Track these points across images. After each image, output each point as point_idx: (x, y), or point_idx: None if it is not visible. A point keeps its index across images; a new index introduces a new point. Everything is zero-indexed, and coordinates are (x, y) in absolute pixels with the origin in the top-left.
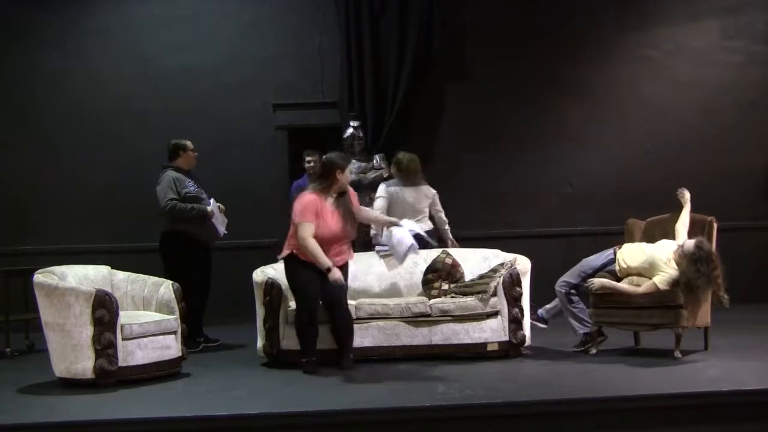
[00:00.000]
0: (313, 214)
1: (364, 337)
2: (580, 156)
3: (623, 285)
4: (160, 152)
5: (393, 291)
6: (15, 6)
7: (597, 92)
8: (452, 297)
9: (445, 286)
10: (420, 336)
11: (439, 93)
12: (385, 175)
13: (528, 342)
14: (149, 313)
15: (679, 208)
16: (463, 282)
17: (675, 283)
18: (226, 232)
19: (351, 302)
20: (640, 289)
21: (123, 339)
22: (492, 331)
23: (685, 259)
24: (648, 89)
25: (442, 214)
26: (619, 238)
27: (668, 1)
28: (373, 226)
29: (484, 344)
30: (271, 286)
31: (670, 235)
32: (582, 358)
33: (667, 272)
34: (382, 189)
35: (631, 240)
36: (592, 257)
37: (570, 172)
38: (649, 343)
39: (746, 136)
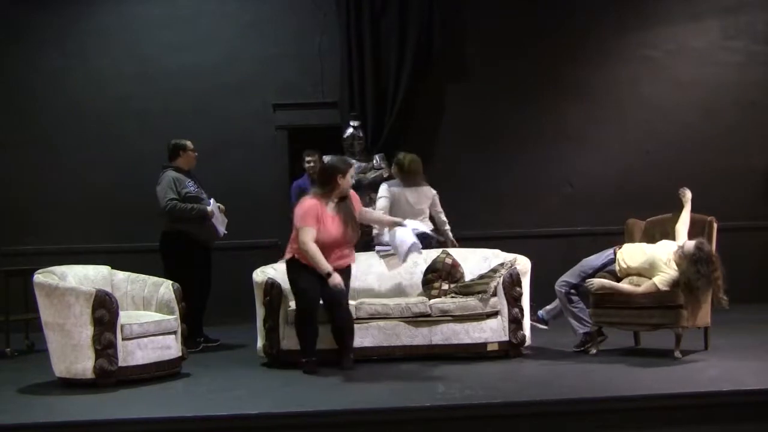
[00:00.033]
0: (313, 219)
1: (364, 337)
2: (580, 156)
3: (623, 285)
4: (160, 152)
5: (393, 291)
6: (15, 6)
7: (597, 92)
8: (452, 297)
9: (445, 286)
10: (420, 336)
11: (439, 93)
12: (385, 175)
13: (528, 342)
14: (149, 313)
15: (680, 207)
16: (463, 282)
17: (675, 284)
18: (226, 232)
19: (351, 302)
20: (640, 289)
21: (123, 339)
22: (492, 331)
23: (686, 260)
24: (648, 89)
25: (443, 215)
26: (619, 238)
27: (668, 1)
28: (376, 226)
29: (484, 344)
30: (271, 286)
31: (670, 235)
32: (582, 358)
33: (667, 273)
34: (384, 189)
35: (631, 240)
36: (592, 257)
37: (570, 172)
38: (649, 343)
39: (746, 136)
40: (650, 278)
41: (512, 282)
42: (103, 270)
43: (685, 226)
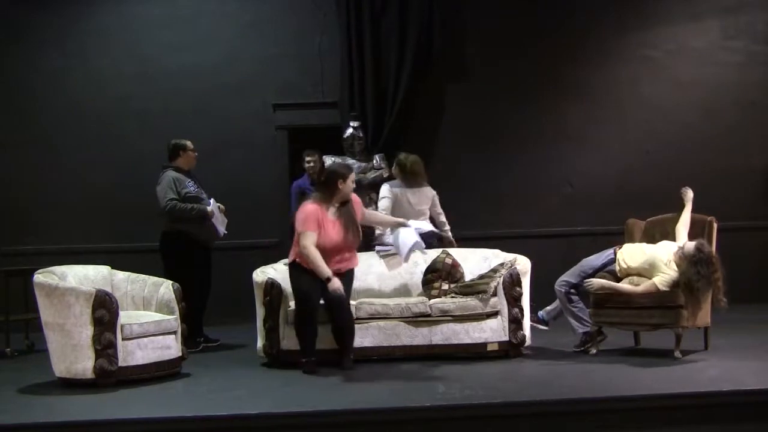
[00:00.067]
0: (314, 224)
1: (364, 337)
2: (580, 156)
3: (622, 285)
4: (160, 152)
5: (393, 291)
6: (15, 6)
7: (597, 92)
8: (452, 297)
9: (445, 286)
10: (420, 336)
11: (439, 93)
12: (385, 175)
13: (528, 342)
14: (149, 313)
15: (681, 207)
16: (463, 282)
17: (675, 285)
18: (226, 232)
19: (351, 302)
20: (639, 289)
21: (123, 339)
22: (492, 331)
23: (686, 260)
24: (648, 89)
25: (442, 216)
26: (619, 238)
27: (668, 1)
28: (379, 227)
29: (484, 344)
30: (271, 286)
31: (670, 235)
32: (582, 358)
33: (667, 273)
34: (386, 189)
35: (631, 240)
36: (592, 257)
37: (570, 172)
38: (649, 343)
39: (746, 136)
40: (650, 278)
41: (512, 282)
42: (103, 270)
43: (685, 227)
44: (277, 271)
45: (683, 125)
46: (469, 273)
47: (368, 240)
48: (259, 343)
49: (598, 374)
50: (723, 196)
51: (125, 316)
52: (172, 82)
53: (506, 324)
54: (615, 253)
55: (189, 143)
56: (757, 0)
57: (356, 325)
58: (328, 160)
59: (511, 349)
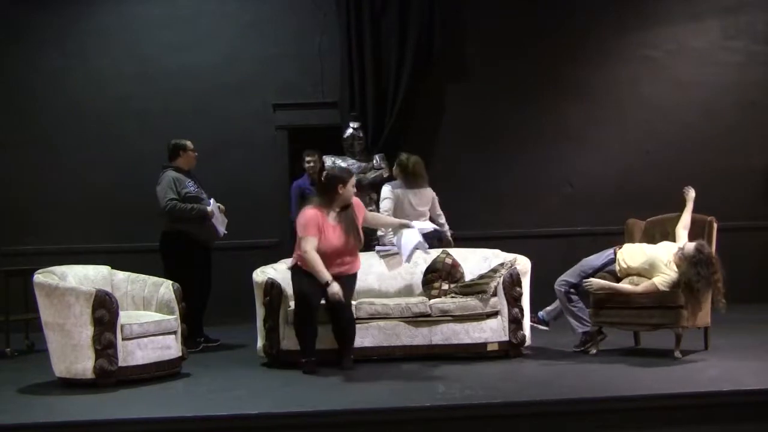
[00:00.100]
0: (314, 229)
1: (364, 337)
2: (580, 156)
3: (621, 285)
4: (160, 152)
5: (393, 291)
6: (15, 6)
7: (597, 92)
8: (452, 297)
9: (445, 286)
10: (420, 336)
11: (439, 93)
12: (385, 175)
13: (528, 342)
14: (149, 313)
15: (682, 207)
16: (463, 282)
17: (675, 285)
18: (226, 232)
19: (351, 302)
20: (639, 288)
21: (123, 339)
22: (492, 331)
23: (685, 261)
24: (648, 89)
25: (442, 218)
26: (619, 238)
27: (668, 1)
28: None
29: (484, 344)
30: (271, 286)
31: (670, 235)
32: (582, 358)
33: (667, 274)
34: (387, 191)
35: (631, 240)
36: (593, 257)
37: (570, 172)
38: (649, 343)
39: (747, 136)
40: (650, 279)
41: (512, 282)
42: (103, 270)
43: (685, 229)
44: (277, 271)
45: (683, 125)
46: (469, 273)
47: (368, 240)
48: (259, 343)
49: (598, 374)
50: (723, 196)
51: (125, 316)
52: (172, 82)
53: (506, 324)
54: (615, 253)
55: (189, 143)
56: (757, 0)
57: (356, 326)
58: (328, 160)
59: (511, 349)
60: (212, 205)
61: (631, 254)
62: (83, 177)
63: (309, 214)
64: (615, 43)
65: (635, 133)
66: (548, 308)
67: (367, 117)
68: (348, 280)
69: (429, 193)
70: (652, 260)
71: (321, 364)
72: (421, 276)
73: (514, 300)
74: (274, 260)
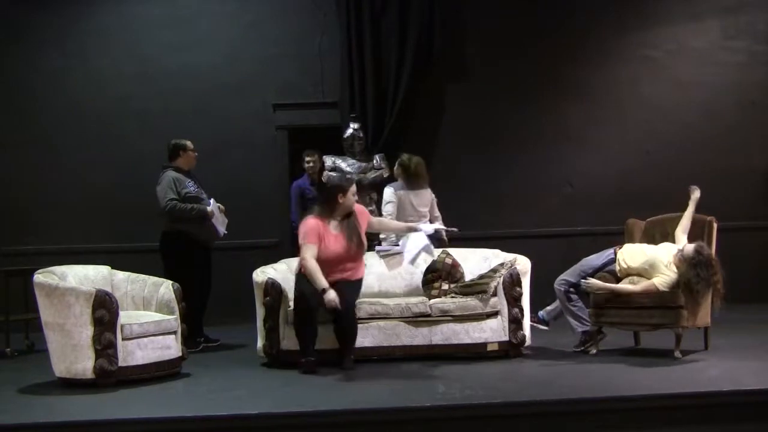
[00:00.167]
0: (315, 237)
1: (364, 337)
2: (580, 156)
3: (620, 285)
4: (160, 152)
5: (393, 291)
6: (15, 6)
7: (597, 92)
8: (452, 297)
9: (445, 286)
10: (420, 336)
11: (439, 93)
12: (386, 175)
13: (528, 342)
14: (149, 313)
15: (683, 206)
16: (463, 282)
17: (675, 286)
18: (226, 232)
19: (354, 304)
20: (638, 288)
21: (123, 339)
22: (492, 331)
23: (685, 263)
24: (648, 89)
25: (439, 220)
26: (619, 238)
27: (668, 1)
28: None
29: (484, 344)
30: (271, 286)
31: (671, 236)
32: (582, 358)
33: (667, 275)
34: (390, 193)
35: (631, 240)
36: (593, 257)
37: (570, 172)
38: (649, 343)
39: (747, 136)
40: (650, 279)
41: (512, 282)
42: (103, 270)
43: (684, 232)
44: (277, 271)
45: (683, 125)
46: (469, 273)
47: (370, 240)
48: (259, 343)
49: (598, 374)
50: (723, 196)
51: (125, 316)
52: (172, 82)
53: (506, 324)
54: (615, 253)
55: (189, 143)
56: (758, 0)
57: (357, 326)
58: (328, 160)
59: (511, 349)
60: (212, 205)
61: (631, 254)
62: (83, 177)
63: (310, 223)
64: (615, 43)
65: (635, 133)
66: (548, 308)
67: (367, 117)
68: (351, 285)
69: (429, 195)
70: (653, 261)
71: (321, 364)
72: (421, 276)
73: (514, 300)
74: (274, 260)
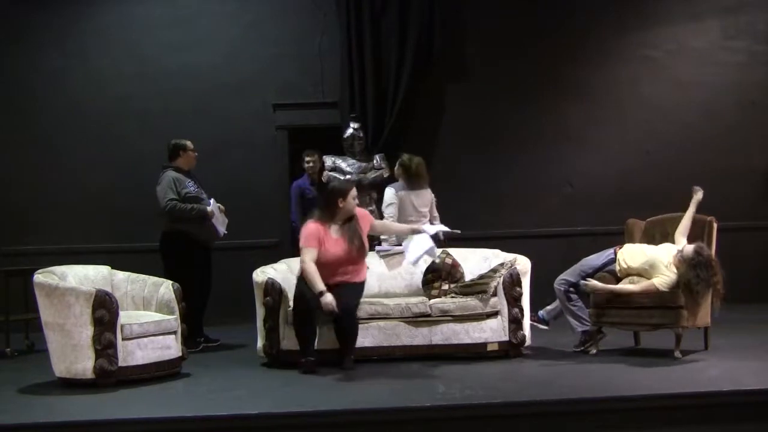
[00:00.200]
0: (315, 241)
1: (364, 337)
2: (580, 156)
3: (619, 285)
4: (160, 152)
5: (393, 291)
6: (15, 6)
7: (597, 92)
8: (452, 297)
9: (445, 286)
10: (420, 336)
11: (439, 93)
12: (386, 175)
13: (528, 342)
14: (149, 313)
15: (684, 206)
16: (463, 282)
17: (675, 287)
18: (226, 232)
19: (356, 306)
20: (637, 288)
21: (123, 339)
22: (492, 331)
23: (685, 264)
24: (648, 89)
25: (437, 220)
26: (619, 238)
27: (668, 1)
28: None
29: (484, 344)
30: (271, 286)
31: (671, 236)
32: (582, 358)
33: (667, 276)
34: (391, 195)
35: (631, 240)
36: (593, 257)
37: (570, 172)
38: (649, 343)
39: (747, 136)
40: (650, 280)
41: (512, 282)
42: (103, 270)
43: (683, 235)
44: (277, 271)
45: (683, 125)
46: (469, 273)
47: (371, 240)
48: (259, 343)
49: (598, 374)
50: (723, 196)
51: (125, 316)
52: (172, 82)
53: (506, 324)
54: (615, 253)
55: (189, 143)
56: (758, 0)
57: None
58: (328, 160)
59: (511, 349)
60: (212, 205)
61: (631, 254)
62: (83, 177)
63: (310, 227)
64: (615, 43)
65: (635, 133)
66: (548, 307)
67: (367, 117)
68: (353, 287)
69: (429, 195)
70: (653, 261)
71: (321, 364)
72: (421, 276)
73: (514, 300)
74: (274, 260)
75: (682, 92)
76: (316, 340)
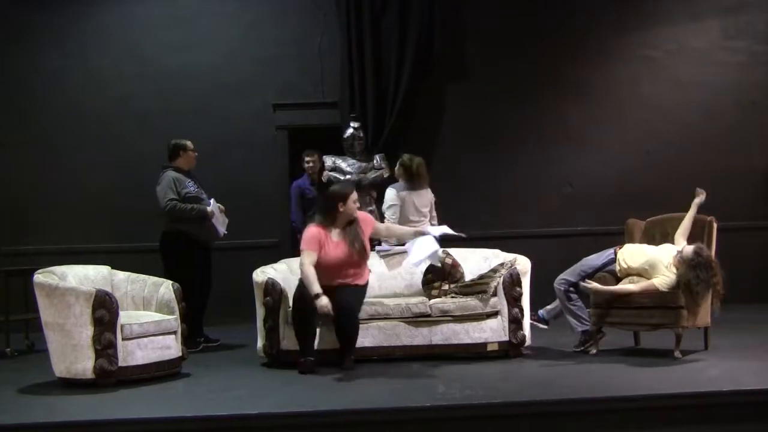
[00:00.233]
0: (315, 244)
1: (364, 337)
2: (580, 156)
3: (618, 286)
4: (160, 152)
5: (393, 291)
6: (15, 6)
7: (597, 92)
8: (452, 297)
9: (445, 286)
10: (420, 336)
11: (439, 93)
12: (386, 175)
13: (528, 342)
14: (149, 313)
15: (683, 207)
16: (463, 282)
17: (675, 287)
18: (226, 232)
19: (358, 308)
20: (636, 288)
21: (123, 339)
22: (492, 331)
23: (684, 264)
24: (648, 89)
25: (435, 220)
26: (619, 238)
27: (668, 1)
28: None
29: (484, 344)
30: (271, 286)
31: (671, 236)
32: (582, 358)
33: (667, 276)
34: (393, 196)
35: (631, 240)
36: (593, 256)
37: (570, 172)
38: (649, 343)
39: (747, 136)
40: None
41: (512, 282)
42: (103, 270)
43: (683, 237)
44: (277, 271)
45: (683, 125)
46: (469, 273)
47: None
48: (259, 343)
49: (598, 374)
50: (723, 196)
51: (125, 316)
52: (172, 82)
53: (506, 324)
54: (615, 253)
55: (189, 143)
56: (758, 0)
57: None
58: (328, 160)
59: (511, 349)
60: (212, 205)
61: (631, 254)
62: (83, 177)
63: (312, 230)
64: (615, 43)
65: (635, 133)
66: (548, 307)
67: (367, 117)
68: (354, 289)
69: (429, 195)
70: (653, 261)
71: (321, 364)
72: (421, 276)
73: (514, 300)
74: (274, 260)
75: (682, 92)
76: (316, 340)
